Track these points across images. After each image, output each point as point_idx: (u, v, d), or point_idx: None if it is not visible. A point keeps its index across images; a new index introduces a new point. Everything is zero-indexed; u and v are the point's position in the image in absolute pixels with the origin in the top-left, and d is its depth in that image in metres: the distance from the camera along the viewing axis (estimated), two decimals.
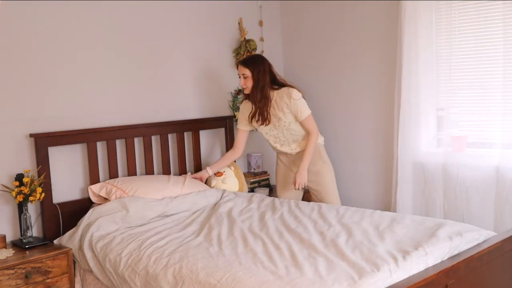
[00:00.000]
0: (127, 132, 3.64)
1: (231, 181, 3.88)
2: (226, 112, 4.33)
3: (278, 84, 3.63)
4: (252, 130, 3.88)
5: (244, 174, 4.24)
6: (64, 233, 3.20)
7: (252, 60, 3.61)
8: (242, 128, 3.80)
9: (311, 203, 3.40)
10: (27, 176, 3.03)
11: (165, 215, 3.27)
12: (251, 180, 4.32)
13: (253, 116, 3.65)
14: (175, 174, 3.89)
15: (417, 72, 3.72)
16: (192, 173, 3.86)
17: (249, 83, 3.58)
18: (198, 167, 4.05)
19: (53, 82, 3.33)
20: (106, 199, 3.39)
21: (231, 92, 4.34)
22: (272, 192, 4.28)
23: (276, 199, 3.55)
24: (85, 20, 3.46)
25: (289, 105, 3.56)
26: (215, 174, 3.86)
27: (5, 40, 3.12)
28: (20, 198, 2.98)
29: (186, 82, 4.07)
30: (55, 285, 2.93)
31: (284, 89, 3.59)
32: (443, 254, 2.44)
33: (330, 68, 4.43)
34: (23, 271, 2.81)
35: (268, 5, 4.62)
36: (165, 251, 2.63)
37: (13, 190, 2.99)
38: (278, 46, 4.73)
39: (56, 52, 3.34)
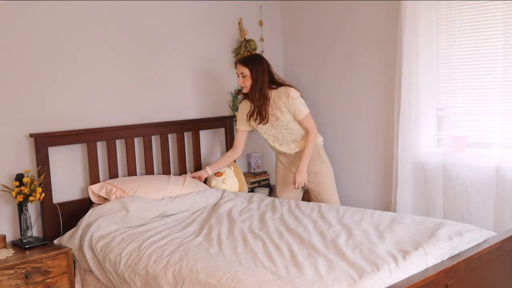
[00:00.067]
0: (127, 132, 3.64)
1: (231, 181, 3.88)
2: (226, 112, 4.33)
3: (276, 83, 3.63)
4: (252, 130, 3.88)
5: (244, 174, 4.24)
6: (64, 233, 3.20)
7: (251, 59, 3.62)
8: (242, 128, 3.80)
9: (311, 203, 3.40)
10: (27, 176, 3.03)
11: (165, 215, 3.27)
12: (251, 180, 4.32)
13: (251, 115, 3.65)
14: (175, 174, 3.89)
15: (417, 72, 3.72)
16: (191, 173, 3.86)
17: (248, 82, 3.58)
18: (198, 167, 4.05)
19: (53, 82, 3.33)
20: (106, 199, 3.39)
21: (231, 92, 4.34)
22: (272, 192, 4.27)
23: (276, 199, 3.55)
24: (85, 20, 3.46)
25: (287, 104, 3.56)
26: (215, 174, 3.86)
27: (5, 40, 3.12)
28: (20, 198, 2.98)
29: (186, 82, 4.07)
30: (55, 285, 2.93)
31: (282, 88, 3.59)
32: (443, 254, 2.44)
33: (330, 68, 4.42)
34: (23, 271, 2.81)
35: (268, 5, 4.62)
36: (165, 251, 2.63)
37: (13, 190, 2.99)
38: (278, 46, 4.73)
39: (56, 52, 3.34)
